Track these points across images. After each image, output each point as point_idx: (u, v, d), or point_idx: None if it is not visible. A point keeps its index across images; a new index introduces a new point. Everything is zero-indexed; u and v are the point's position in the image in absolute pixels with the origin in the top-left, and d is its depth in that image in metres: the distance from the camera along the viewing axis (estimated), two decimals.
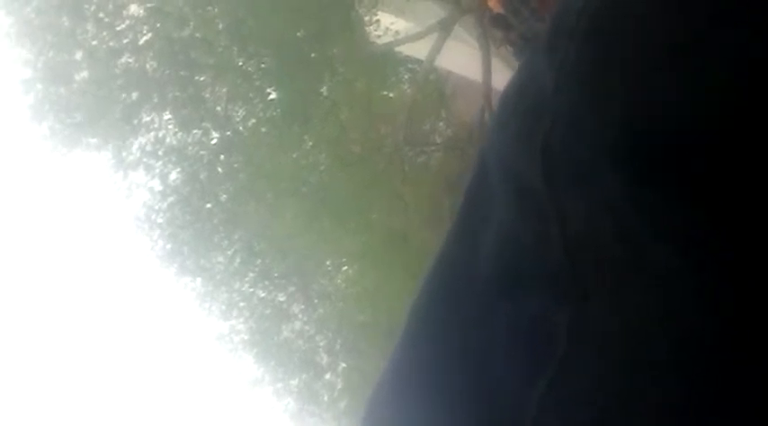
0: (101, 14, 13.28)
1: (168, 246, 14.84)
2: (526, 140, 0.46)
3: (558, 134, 0.44)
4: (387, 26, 12.60)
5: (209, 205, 14.57)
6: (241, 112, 13.79)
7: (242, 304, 15.27)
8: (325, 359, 15.39)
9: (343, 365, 15.17)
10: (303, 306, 15.13)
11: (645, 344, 0.39)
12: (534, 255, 0.44)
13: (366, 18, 12.58)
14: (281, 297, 15.13)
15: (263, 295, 15.14)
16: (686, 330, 0.39)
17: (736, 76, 0.40)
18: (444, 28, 12.08)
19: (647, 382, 0.39)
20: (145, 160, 14.24)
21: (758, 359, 0.38)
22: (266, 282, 15.05)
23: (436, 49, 12.13)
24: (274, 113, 13.42)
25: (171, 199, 14.53)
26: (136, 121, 13.92)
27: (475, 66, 11.92)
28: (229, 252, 14.91)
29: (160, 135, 14.07)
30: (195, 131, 14.01)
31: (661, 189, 0.40)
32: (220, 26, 13.01)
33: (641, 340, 0.40)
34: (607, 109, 0.42)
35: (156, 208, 14.63)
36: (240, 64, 13.29)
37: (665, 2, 0.43)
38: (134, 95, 13.65)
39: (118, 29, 13.34)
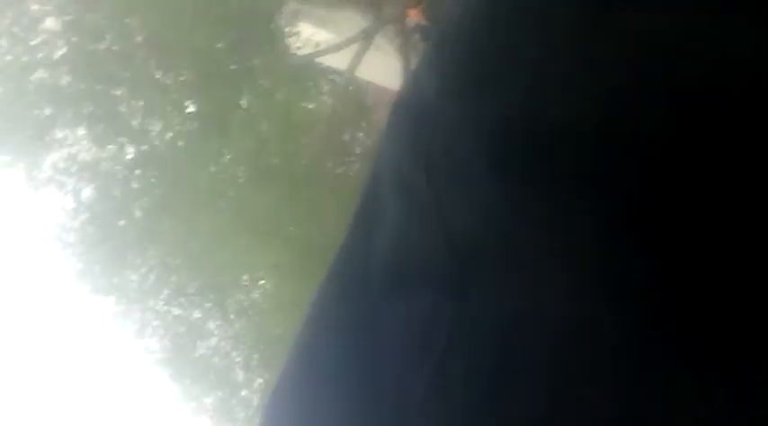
0: (15, 29, 13.11)
1: (80, 265, 14.61)
2: (411, 146, 0.49)
3: (439, 139, 0.47)
4: (307, 37, 12.78)
5: (122, 222, 14.41)
6: (158, 126, 13.73)
7: (156, 322, 15.09)
8: (241, 375, 15.29)
9: (260, 380, 15.09)
10: (219, 322, 15.04)
11: (518, 333, 0.42)
12: (421, 254, 0.46)
13: (286, 29, 12.74)
14: (197, 314, 15.02)
15: (178, 312, 15.00)
16: (556, 319, 0.41)
17: (597, 82, 0.43)
18: (365, 38, 12.32)
19: (519, 367, 0.41)
20: (57, 177, 14.04)
21: (620, 346, 0.40)
22: (182, 299, 14.93)
23: (357, 60, 12.35)
24: (192, 127, 13.42)
25: (83, 216, 14.33)
26: (48, 138, 13.74)
27: (395, 76, 12.18)
28: (143, 270, 14.75)
29: (73, 151, 13.91)
30: (110, 146, 13.89)
31: (532, 184, 0.42)
32: (138, 39, 12.99)
33: (516, 329, 0.42)
34: (482, 112, 0.45)
35: (68, 226, 14.41)
36: (157, 77, 13.27)
37: (534, 14, 0.45)
38: (47, 111, 13.48)
39: (32, 43, 13.19)
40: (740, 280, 0.38)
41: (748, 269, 0.38)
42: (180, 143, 13.62)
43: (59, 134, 13.74)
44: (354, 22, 12.44)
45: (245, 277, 14.92)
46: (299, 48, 12.80)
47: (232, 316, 14.94)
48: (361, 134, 13.52)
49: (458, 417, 0.42)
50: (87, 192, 14.18)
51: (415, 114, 0.50)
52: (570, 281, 0.41)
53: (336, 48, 12.50)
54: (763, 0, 0.41)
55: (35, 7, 12.97)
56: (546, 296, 0.41)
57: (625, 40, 0.43)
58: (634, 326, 0.39)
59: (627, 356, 0.39)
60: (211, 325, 15.07)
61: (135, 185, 14.14)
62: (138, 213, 14.30)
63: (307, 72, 13.08)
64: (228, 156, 13.53)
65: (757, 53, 0.40)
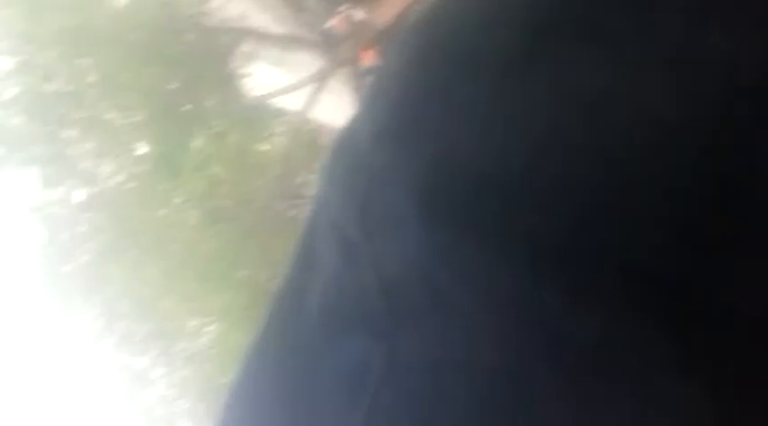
0: None
1: (31, 308, 14.38)
2: (346, 194, 0.49)
3: (373, 190, 0.47)
4: (262, 79, 12.87)
5: (68, 267, 14.22)
6: (109, 168, 13.65)
7: (101, 369, 14.83)
8: (188, 424, 15.03)
9: None
10: (166, 369, 14.81)
11: (444, 379, 0.42)
12: (355, 298, 0.47)
13: (240, 70, 12.82)
14: (144, 362, 14.78)
15: (125, 360, 14.76)
16: (479, 363, 0.42)
17: (515, 133, 0.43)
18: (319, 80, 12.45)
19: (445, 411, 0.42)
20: (3, 219, 13.86)
21: (546, 395, 0.41)
22: (129, 346, 14.70)
23: (311, 102, 12.46)
24: (144, 168, 13.37)
25: (34, 260, 14.13)
26: None
27: (349, 118, 12.28)
28: (89, 315, 14.53)
29: (23, 193, 13.76)
30: (60, 188, 13.76)
31: (452, 233, 0.43)
32: (91, 79, 12.97)
33: (441, 373, 0.42)
34: (412, 162, 0.45)
35: (18, 269, 14.20)
36: (109, 117, 13.24)
37: (461, 72, 0.46)
38: None
39: None
40: (665, 326, 0.40)
41: (672, 317, 0.40)
42: (131, 185, 13.54)
43: (10, 174, 13.58)
44: (309, 63, 12.56)
45: (192, 323, 14.75)
46: (252, 89, 12.87)
47: (178, 363, 14.73)
48: (313, 176, 13.51)
49: None
50: (38, 235, 14.00)
51: (351, 162, 0.50)
52: (496, 329, 0.42)
53: (291, 89, 12.60)
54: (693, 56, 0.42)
55: None
56: (471, 343, 0.42)
57: (549, 92, 0.43)
58: (561, 376, 0.40)
59: (554, 404, 0.40)
60: (158, 372, 14.83)
61: (82, 229, 13.98)
62: (84, 258, 14.13)
63: (260, 113, 13.15)
64: (180, 199, 13.47)
65: (679, 113, 0.41)
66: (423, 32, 0.50)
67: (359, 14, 12.02)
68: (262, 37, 12.71)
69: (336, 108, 12.72)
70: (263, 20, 12.79)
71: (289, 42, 12.59)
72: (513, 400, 0.41)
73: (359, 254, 0.47)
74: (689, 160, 0.40)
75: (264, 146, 13.53)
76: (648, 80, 0.42)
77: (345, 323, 0.47)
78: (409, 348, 0.44)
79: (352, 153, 0.50)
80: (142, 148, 13.31)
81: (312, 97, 12.38)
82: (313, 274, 0.50)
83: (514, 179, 0.42)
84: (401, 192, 0.45)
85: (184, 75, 12.50)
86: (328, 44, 12.29)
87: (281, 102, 13.10)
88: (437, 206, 0.44)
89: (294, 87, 12.53)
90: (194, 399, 14.80)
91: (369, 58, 12.19)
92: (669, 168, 0.40)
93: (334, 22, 12.34)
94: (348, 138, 0.51)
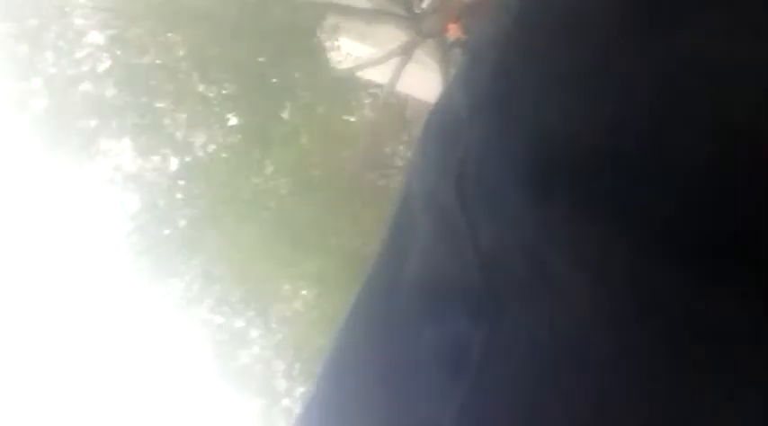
0: (60, 42, 13.31)
1: (127, 272, 14.82)
2: (442, 167, 0.47)
3: (471, 160, 0.46)
4: (348, 51, 12.81)
5: (167, 231, 14.57)
6: (201, 138, 13.86)
7: (200, 330, 15.25)
8: (283, 384, 15.39)
9: (302, 390, 15.17)
10: (262, 331, 15.15)
11: (552, 359, 0.41)
12: (452, 276, 0.45)
13: (327, 43, 12.78)
14: (240, 323, 15.14)
15: (221, 320, 15.14)
16: (590, 345, 0.40)
17: (630, 102, 0.41)
18: (405, 53, 12.33)
19: (554, 396, 0.40)
20: (103, 187, 14.24)
21: (659, 373, 0.39)
22: (225, 308, 15.06)
23: (397, 74, 12.37)
24: (235, 139, 13.53)
25: (129, 226, 14.52)
26: (94, 148, 13.93)
27: (436, 90, 12.16)
28: (187, 278, 14.90)
29: (118, 161, 14.09)
30: (154, 157, 14.05)
31: (563, 207, 0.41)
32: (181, 53, 13.12)
33: (549, 355, 0.41)
34: (514, 133, 0.44)
35: (115, 234, 14.62)
36: (201, 90, 13.40)
37: (566, 36, 0.45)
38: (92, 123, 13.67)
39: (77, 56, 13.38)
40: None
41: None
42: (223, 155, 13.74)
43: (105, 145, 13.91)
44: (394, 36, 12.44)
45: (286, 287, 15.00)
46: (339, 62, 12.85)
47: (274, 326, 15.04)
48: (401, 147, 13.53)
49: None
50: (133, 202, 14.35)
51: (447, 132, 0.48)
52: (604, 308, 0.40)
53: (377, 62, 12.52)
54: None
55: (79, 21, 13.16)
56: (579, 321, 0.40)
57: (667, 62, 0.41)
58: (670, 350, 0.39)
59: (664, 379, 0.39)
60: (254, 334, 15.17)
61: (179, 195, 14.28)
62: (182, 223, 14.45)
63: (347, 85, 13.13)
64: (271, 168, 13.62)
65: None
66: None
67: None
68: (347, 10, 12.59)
69: (422, 80, 12.59)
70: None
71: (374, 15, 12.45)
72: (630, 391, 0.39)
73: (456, 226, 0.45)
74: None
75: (352, 118, 13.51)
76: None
77: (444, 298, 0.45)
78: (511, 332, 0.42)
79: (448, 122, 0.49)
80: (233, 119, 13.44)
81: (398, 70, 12.28)
82: (407, 251, 0.49)
83: (631, 151, 0.40)
84: (503, 164, 0.44)
85: (272, 49, 12.54)
86: (414, 17, 12.11)
87: (367, 75, 13.03)
88: (545, 179, 0.42)
89: (380, 60, 12.44)
90: (290, 360, 15.12)
91: (454, 31, 12.00)
92: None
93: None
94: (444, 107, 0.50)
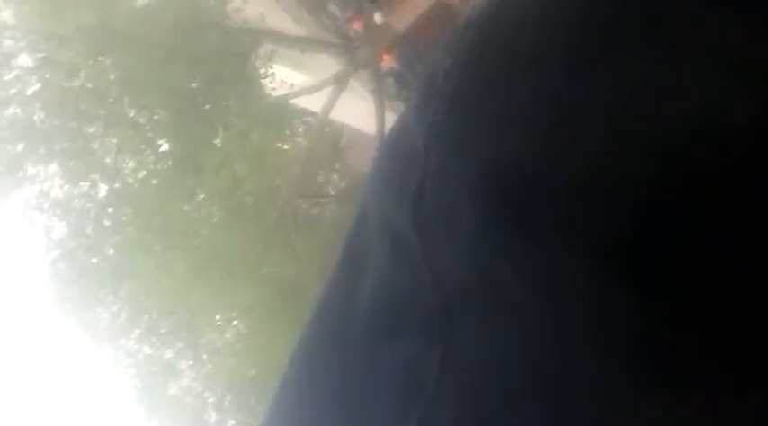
0: None
1: (51, 301, 14.47)
2: (398, 192, 0.48)
3: (427, 187, 0.46)
4: (282, 79, 12.72)
5: (94, 259, 14.27)
6: (131, 164, 13.62)
7: (127, 361, 14.93)
8: (213, 416, 15.15)
9: (233, 422, 14.96)
10: (191, 362, 14.89)
11: (508, 378, 0.41)
12: (408, 297, 0.46)
13: (262, 70, 12.68)
14: (169, 354, 14.86)
15: (149, 351, 14.85)
16: (545, 363, 0.41)
17: (581, 131, 0.42)
18: (339, 81, 12.28)
19: (510, 414, 0.41)
20: (28, 213, 13.91)
21: (614, 392, 0.39)
22: (153, 338, 14.78)
23: (331, 102, 12.31)
24: (166, 165, 13.32)
25: (55, 253, 14.20)
26: (20, 173, 13.62)
27: (369, 119, 12.13)
28: (115, 308, 14.60)
29: (45, 187, 13.79)
30: (82, 183, 13.77)
31: (517, 231, 0.42)
32: (112, 77, 12.90)
33: (504, 373, 0.41)
34: (469, 162, 0.45)
35: (39, 262, 14.28)
36: (131, 115, 13.18)
37: (519, 67, 0.45)
38: (19, 147, 13.36)
39: (5, 79, 13.09)
40: (733, 324, 0.39)
41: (743, 317, 0.39)
42: (153, 181, 13.52)
43: (32, 170, 13.61)
44: (329, 65, 12.39)
45: (218, 317, 14.79)
46: (273, 89, 12.75)
47: (204, 356, 14.79)
48: (335, 175, 13.46)
49: None
50: (59, 229, 14.04)
51: (403, 159, 0.49)
52: (560, 327, 0.40)
53: (311, 90, 12.46)
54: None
55: (8, 43, 12.88)
56: (535, 341, 0.41)
57: (616, 91, 0.42)
58: (624, 368, 0.39)
59: (619, 402, 0.39)
60: (183, 366, 14.91)
61: (107, 223, 14.01)
62: (110, 251, 14.17)
63: (281, 113, 13.02)
64: (202, 195, 13.45)
65: (751, 116, 0.40)
66: (478, 30, 0.49)
67: (378, 17, 11.77)
68: (282, 38, 12.51)
69: (356, 109, 12.56)
70: (282, 21, 12.59)
71: (308, 44, 12.39)
72: (578, 407, 0.40)
73: (411, 253, 0.46)
74: (762, 163, 0.39)
75: (285, 145, 13.41)
76: (717, 80, 0.41)
77: (397, 323, 0.46)
78: (466, 349, 0.42)
79: (403, 149, 0.49)
80: (164, 146, 13.25)
81: (332, 98, 12.22)
82: (362, 273, 0.49)
83: (581, 178, 0.41)
84: (459, 192, 0.44)
85: (205, 75, 12.41)
86: (348, 46, 12.08)
87: (301, 103, 12.96)
88: (499, 206, 0.43)
89: (314, 88, 12.38)
90: (220, 392, 14.88)
91: (388, 61, 12.01)
92: (742, 169, 0.39)
93: (353, 25, 12.12)
94: (399, 135, 0.51)
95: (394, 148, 0.51)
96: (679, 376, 0.39)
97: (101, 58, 12.79)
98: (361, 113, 12.45)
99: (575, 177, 0.41)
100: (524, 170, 0.43)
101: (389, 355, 0.45)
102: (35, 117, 13.20)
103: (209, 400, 15.05)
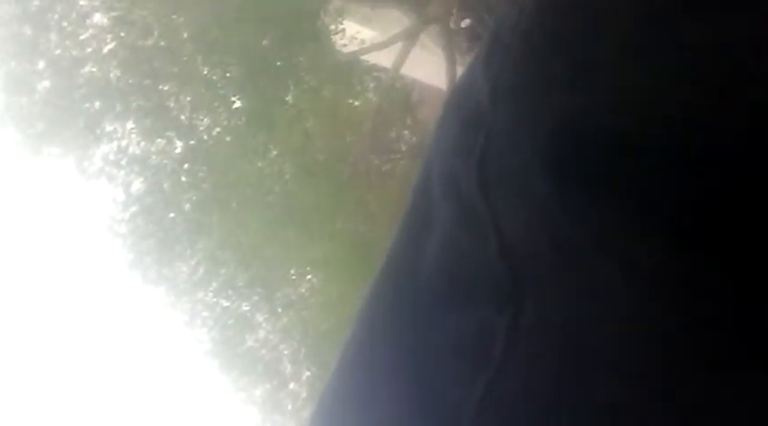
0: (64, 23, 13.22)
1: (131, 256, 14.77)
2: (463, 152, 0.47)
3: (493, 146, 0.45)
4: (352, 35, 12.67)
5: (172, 214, 14.50)
6: (205, 121, 13.76)
7: (205, 313, 15.20)
8: (289, 368, 15.35)
9: (308, 373, 15.14)
10: (267, 316, 15.09)
11: (577, 347, 0.40)
12: (474, 263, 0.45)
13: (332, 27, 12.64)
14: (245, 307, 15.09)
15: (226, 304, 15.09)
16: (617, 333, 0.40)
17: (659, 88, 0.41)
18: (410, 37, 12.18)
19: (577, 383, 0.40)
20: (107, 169, 14.17)
21: (687, 369, 0.38)
22: (230, 292, 15.01)
23: (402, 58, 12.23)
24: (239, 122, 13.43)
25: (133, 208, 14.46)
26: (98, 131, 13.86)
27: (440, 74, 12.03)
28: (193, 262, 14.85)
29: (123, 144, 14.01)
30: (159, 140, 13.96)
31: (592, 195, 0.41)
32: (185, 35, 13.01)
33: (574, 342, 0.40)
34: (538, 119, 0.43)
35: (119, 218, 14.56)
36: (204, 73, 13.29)
37: (592, 20, 0.44)
38: (97, 104, 13.59)
39: (81, 38, 13.29)
40: None
41: None
42: (227, 138, 13.65)
43: (109, 127, 13.84)
44: (398, 20, 12.29)
45: (292, 271, 14.93)
46: (343, 45, 12.71)
47: (280, 310, 14.98)
48: (406, 131, 13.40)
49: None
50: (137, 185, 14.29)
51: (468, 118, 0.48)
52: (632, 296, 0.39)
53: (381, 45, 12.39)
54: None
55: (83, 2, 13.05)
56: (606, 304, 0.40)
57: (699, 49, 0.40)
58: (698, 329, 0.38)
59: (692, 358, 0.38)
60: (259, 318, 15.13)
61: (184, 179, 14.21)
62: (187, 206, 14.38)
63: (352, 69, 13.00)
64: (275, 152, 13.53)
65: None
66: None
67: None
68: None
69: (427, 64, 12.46)
70: None
71: None
72: (655, 361, 0.39)
73: (477, 212, 0.45)
74: None
75: (356, 102, 13.38)
76: None
77: (463, 289, 0.45)
78: (534, 318, 0.42)
79: (468, 108, 0.48)
80: (237, 102, 13.35)
81: (402, 54, 12.13)
82: (428, 232, 0.48)
83: (658, 135, 0.40)
84: (528, 151, 0.43)
85: (276, 32, 12.42)
86: (418, 1, 11.96)
87: (372, 58, 12.89)
88: (570, 166, 0.41)
89: (384, 44, 12.30)
90: (296, 345, 15.07)
91: (458, 15, 11.85)
92: None
93: None
94: (464, 92, 0.49)
95: (458, 104, 0.50)
96: (750, 337, 0.38)
97: (173, 17, 12.89)
98: (432, 68, 12.35)
99: (653, 134, 0.40)
100: (598, 129, 0.41)
101: (456, 320, 0.44)
102: (111, 75, 13.40)
103: (285, 352, 15.25)
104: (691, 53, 0.41)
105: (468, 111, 0.48)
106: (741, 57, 0.40)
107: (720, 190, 0.38)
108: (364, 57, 12.93)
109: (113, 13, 13.03)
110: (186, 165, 14.08)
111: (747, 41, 0.40)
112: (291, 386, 15.37)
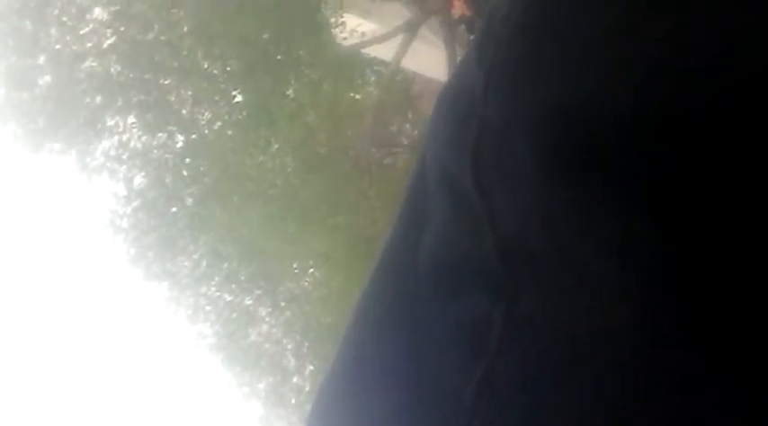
0: (64, 18, 13.19)
1: (133, 251, 14.76)
2: (457, 144, 0.47)
3: (486, 135, 0.45)
4: (353, 28, 12.63)
5: (174, 209, 14.49)
6: (207, 115, 13.75)
7: (208, 308, 15.20)
8: (292, 362, 15.35)
9: (311, 367, 15.14)
10: (270, 310, 15.09)
11: (570, 338, 0.40)
12: (470, 254, 0.45)
13: (332, 20, 12.60)
14: (248, 301, 15.09)
15: (229, 298, 15.09)
16: (613, 326, 0.40)
17: (658, 68, 0.41)
18: (410, 29, 12.14)
19: (574, 373, 0.40)
20: (109, 164, 14.16)
21: (678, 357, 0.38)
22: (233, 286, 15.00)
23: (402, 51, 12.19)
24: (240, 116, 13.41)
25: (135, 203, 14.45)
26: (100, 125, 13.84)
27: (441, 67, 11.99)
28: (195, 256, 14.84)
29: (124, 139, 14.00)
30: (160, 135, 13.94)
31: (585, 187, 0.41)
32: (185, 29, 12.98)
33: (567, 334, 0.40)
34: (530, 107, 0.43)
35: (121, 212, 14.55)
36: (205, 66, 13.26)
37: (582, 5, 0.44)
38: (98, 99, 13.57)
39: (81, 32, 13.27)
40: None
41: None
42: (229, 132, 13.63)
43: (110, 122, 13.83)
44: (399, 13, 12.25)
45: (294, 265, 14.93)
46: (344, 38, 12.67)
47: (282, 304, 14.97)
48: (407, 125, 13.37)
49: (512, 419, 0.41)
50: (139, 179, 14.28)
51: (461, 110, 0.48)
52: (629, 291, 0.39)
53: (382, 38, 12.34)
54: None
55: None
56: (601, 296, 0.40)
57: (682, 38, 0.40)
58: (695, 326, 0.38)
59: (687, 354, 0.38)
60: (262, 312, 15.12)
61: (185, 173, 14.19)
62: (189, 200, 14.36)
63: (352, 62, 12.96)
64: (276, 146, 13.51)
65: None
66: None
67: None
68: None
69: (428, 57, 12.42)
70: None
71: None
72: (649, 369, 0.38)
73: (472, 204, 0.45)
74: None
75: (357, 95, 13.35)
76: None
77: (460, 281, 0.45)
78: (530, 307, 0.42)
79: (462, 99, 0.48)
80: (238, 96, 13.33)
81: (403, 46, 12.09)
82: (424, 225, 0.48)
83: (657, 117, 0.39)
84: (519, 140, 0.43)
85: (276, 25, 12.38)
86: None
87: (372, 52, 12.85)
88: (562, 153, 0.41)
89: (385, 36, 12.26)
90: (299, 339, 15.07)
91: (459, 8, 11.79)
92: None
93: None
94: (457, 84, 0.50)
95: (452, 98, 0.50)
96: (753, 338, 0.37)
97: (173, 10, 12.86)
98: (433, 61, 12.30)
99: (651, 116, 0.39)
100: (590, 114, 0.41)
101: (454, 310, 0.45)
102: (112, 69, 13.38)
103: (288, 346, 15.24)
104: (679, 38, 0.40)
105: (461, 103, 0.48)
106: (728, 39, 0.40)
107: (706, 175, 0.38)
108: (365, 51, 12.89)
109: (113, 8, 13.00)
110: (188, 160, 14.07)
111: (734, 24, 0.40)
112: (295, 379, 15.37)
